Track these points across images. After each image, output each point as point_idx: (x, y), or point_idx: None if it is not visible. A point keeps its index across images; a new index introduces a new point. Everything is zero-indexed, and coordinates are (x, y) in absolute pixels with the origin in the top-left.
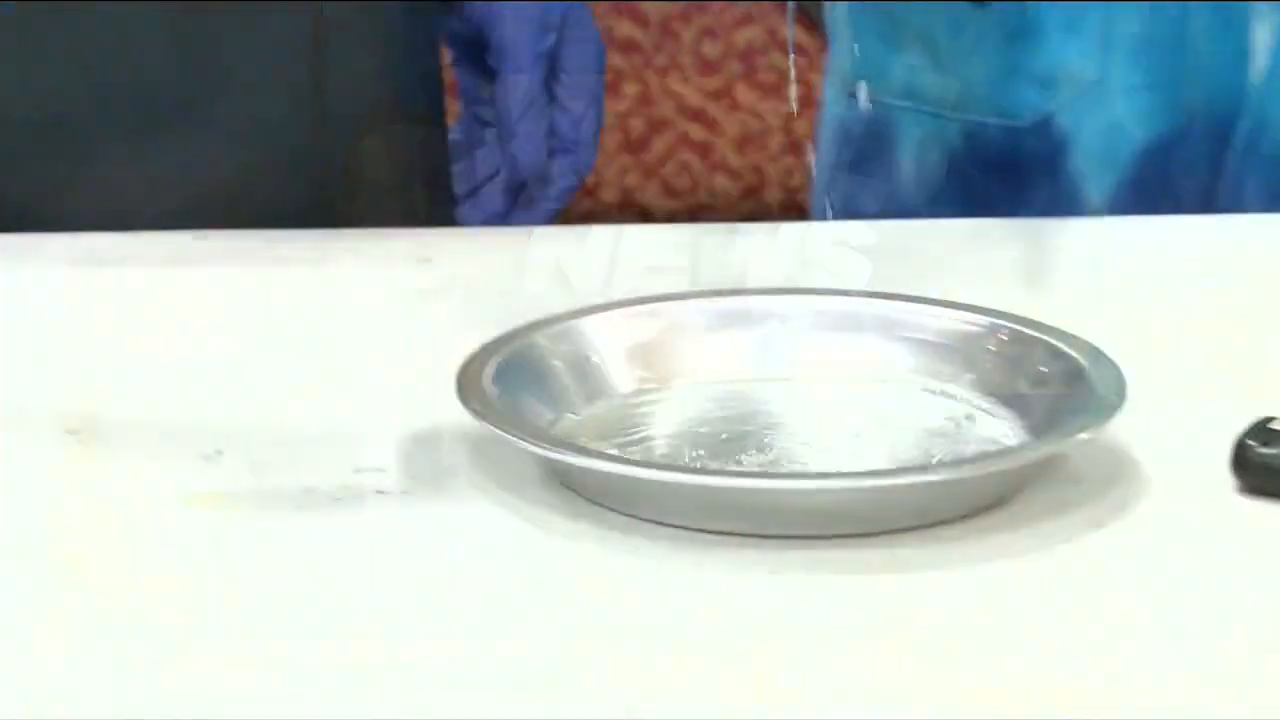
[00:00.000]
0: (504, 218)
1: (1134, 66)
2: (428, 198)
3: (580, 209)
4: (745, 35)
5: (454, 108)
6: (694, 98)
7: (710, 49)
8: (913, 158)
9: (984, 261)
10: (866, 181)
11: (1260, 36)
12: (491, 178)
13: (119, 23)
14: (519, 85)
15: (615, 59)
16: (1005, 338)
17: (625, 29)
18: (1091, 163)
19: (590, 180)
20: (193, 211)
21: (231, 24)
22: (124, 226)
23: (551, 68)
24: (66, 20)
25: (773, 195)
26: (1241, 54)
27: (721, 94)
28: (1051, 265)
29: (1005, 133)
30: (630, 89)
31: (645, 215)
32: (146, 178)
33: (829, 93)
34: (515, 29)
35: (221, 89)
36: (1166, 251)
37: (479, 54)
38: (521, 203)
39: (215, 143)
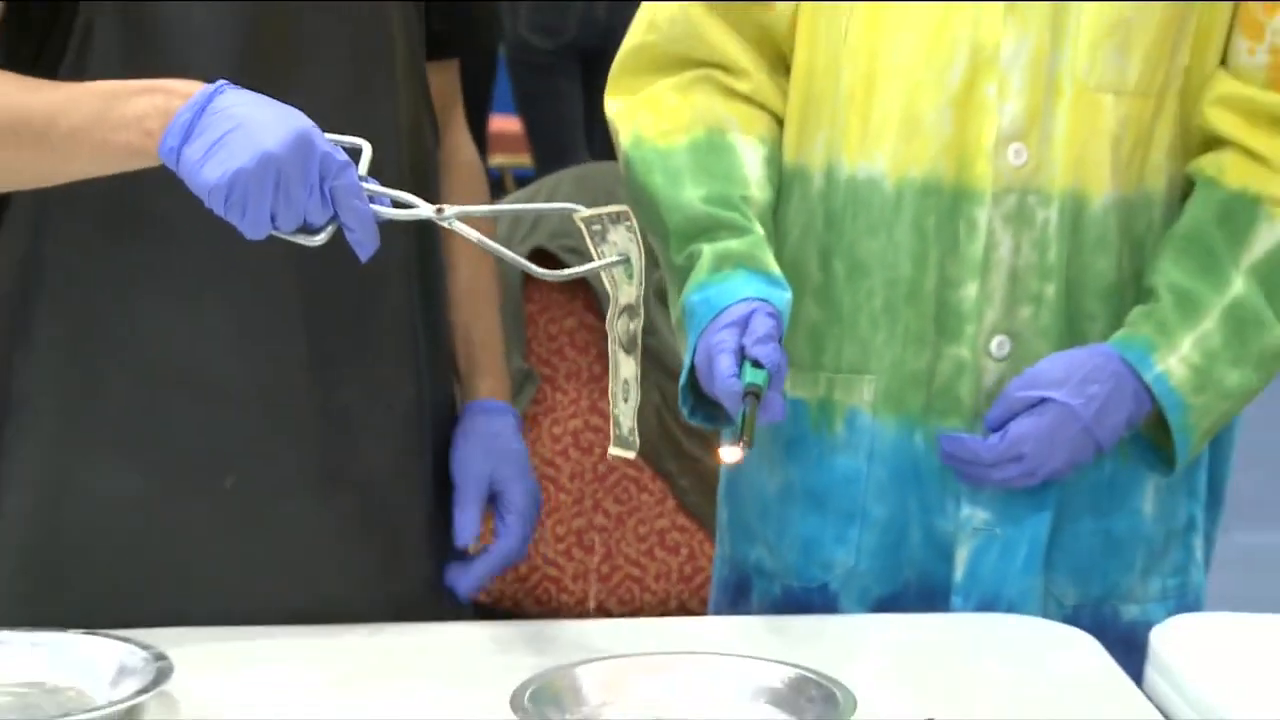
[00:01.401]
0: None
1: (873, 560)
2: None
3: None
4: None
5: None
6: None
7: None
8: (757, 603)
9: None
10: (735, 611)
11: (960, 554)
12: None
13: None
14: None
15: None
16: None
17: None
18: (850, 605)
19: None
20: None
21: None
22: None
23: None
24: None
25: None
26: (944, 558)
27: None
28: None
29: (803, 590)
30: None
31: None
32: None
33: (718, 566)
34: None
35: None
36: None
37: None
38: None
39: None
